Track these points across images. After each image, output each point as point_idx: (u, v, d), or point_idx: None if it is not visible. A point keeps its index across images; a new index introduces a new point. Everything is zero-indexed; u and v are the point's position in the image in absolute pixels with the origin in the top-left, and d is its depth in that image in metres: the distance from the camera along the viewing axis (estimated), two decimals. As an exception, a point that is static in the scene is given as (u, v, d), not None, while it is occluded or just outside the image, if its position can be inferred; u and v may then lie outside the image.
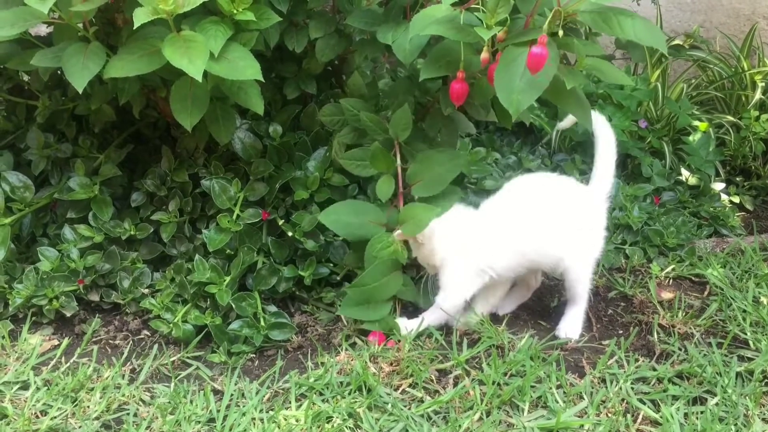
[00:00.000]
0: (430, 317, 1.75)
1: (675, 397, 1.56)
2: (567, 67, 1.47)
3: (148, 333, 1.79)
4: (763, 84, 2.68)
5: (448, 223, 1.71)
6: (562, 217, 1.71)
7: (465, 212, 1.75)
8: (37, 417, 1.51)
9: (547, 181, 1.79)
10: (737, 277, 2.01)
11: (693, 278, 2.04)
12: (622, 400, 1.55)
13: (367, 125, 1.79)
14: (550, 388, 1.57)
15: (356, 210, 1.76)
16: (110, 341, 1.77)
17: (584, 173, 2.38)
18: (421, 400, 1.55)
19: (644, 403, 1.54)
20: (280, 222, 1.87)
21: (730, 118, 2.65)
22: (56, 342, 1.76)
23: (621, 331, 1.82)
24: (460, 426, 1.46)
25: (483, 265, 1.71)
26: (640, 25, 1.42)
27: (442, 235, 1.70)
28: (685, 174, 2.44)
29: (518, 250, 1.71)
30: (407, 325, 1.73)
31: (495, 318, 1.81)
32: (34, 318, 1.80)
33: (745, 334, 1.76)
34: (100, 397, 1.56)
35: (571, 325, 1.77)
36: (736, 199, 2.50)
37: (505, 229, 1.71)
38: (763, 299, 1.89)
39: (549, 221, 1.70)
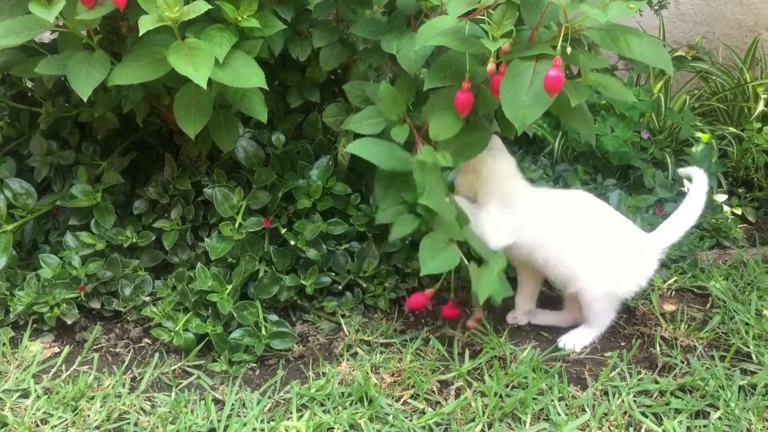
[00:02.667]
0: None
1: (677, 411, 1.56)
2: (572, 83, 1.47)
3: (149, 341, 1.78)
4: (766, 96, 2.68)
5: (503, 166, 1.74)
6: (586, 242, 1.71)
7: (518, 176, 1.77)
8: (38, 426, 1.50)
9: (600, 209, 1.77)
10: (740, 290, 2.01)
11: (695, 290, 2.04)
12: (625, 413, 1.55)
13: (376, 96, 1.74)
14: (553, 401, 1.57)
15: (382, 143, 1.70)
16: (111, 349, 1.76)
17: (586, 183, 2.38)
18: (423, 412, 1.54)
19: (647, 417, 1.54)
20: (283, 231, 1.87)
21: (733, 129, 2.65)
22: (57, 349, 1.75)
23: (623, 343, 1.81)
24: (462, 438, 1.46)
25: (510, 229, 1.71)
26: (647, 44, 1.42)
27: (493, 171, 1.72)
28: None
29: (532, 242, 1.72)
30: None
31: (497, 329, 1.80)
32: (35, 325, 1.79)
33: (748, 347, 1.76)
34: (101, 406, 1.55)
35: (575, 338, 1.77)
36: (739, 211, 2.49)
37: (535, 215, 1.71)
38: (765, 312, 1.88)
39: (570, 238, 1.70)
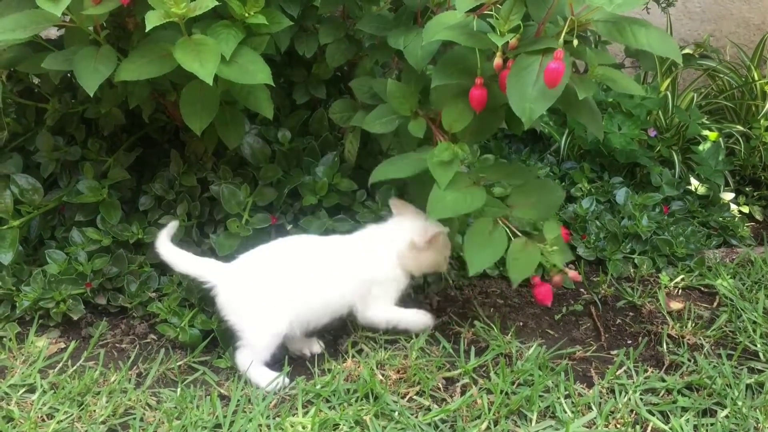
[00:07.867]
0: None
1: (684, 409, 1.55)
2: (579, 77, 1.46)
3: (154, 337, 1.78)
4: (774, 94, 2.67)
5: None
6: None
7: None
8: (43, 420, 1.51)
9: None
10: (747, 288, 2.00)
11: (702, 288, 2.03)
12: (631, 411, 1.54)
13: (384, 91, 1.73)
14: (559, 398, 1.56)
15: (397, 158, 1.70)
16: (117, 345, 1.76)
17: (593, 181, 2.37)
18: (429, 409, 1.54)
19: (653, 415, 1.53)
20: (289, 227, 1.87)
21: (740, 127, 2.64)
22: (63, 345, 1.75)
23: (630, 341, 1.80)
24: (467, 435, 1.45)
25: None
26: (654, 34, 1.41)
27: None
28: (694, 183, 2.43)
29: None
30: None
31: (503, 326, 1.80)
32: (41, 321, 1.79)
33: (755, 345, 1.75)
34: (107, 402, 1.55)
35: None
36: (746, 209, 2.48)
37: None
38: (773, 310, 1.87)
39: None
